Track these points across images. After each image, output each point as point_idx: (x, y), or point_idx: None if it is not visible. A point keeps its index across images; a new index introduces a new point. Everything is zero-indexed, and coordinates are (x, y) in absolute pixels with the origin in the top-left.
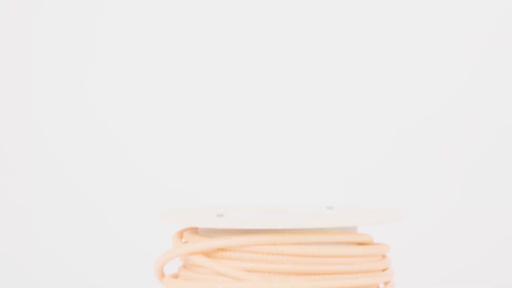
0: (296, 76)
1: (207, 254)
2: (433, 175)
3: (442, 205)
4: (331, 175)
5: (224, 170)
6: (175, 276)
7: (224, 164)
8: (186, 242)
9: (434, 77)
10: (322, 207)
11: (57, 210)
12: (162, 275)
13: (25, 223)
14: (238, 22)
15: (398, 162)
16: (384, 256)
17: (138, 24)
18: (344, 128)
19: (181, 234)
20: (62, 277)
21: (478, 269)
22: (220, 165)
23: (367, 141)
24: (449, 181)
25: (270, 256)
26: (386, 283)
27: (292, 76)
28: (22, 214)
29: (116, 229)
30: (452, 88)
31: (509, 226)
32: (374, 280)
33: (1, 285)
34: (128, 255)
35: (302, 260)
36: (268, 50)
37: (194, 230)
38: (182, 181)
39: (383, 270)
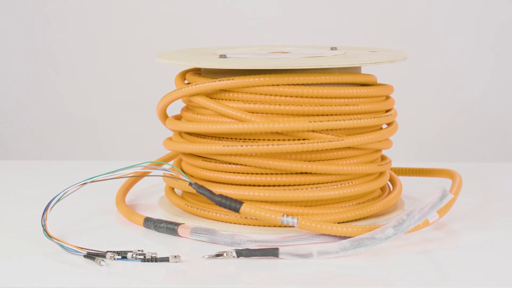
0: None
1: (210, 95)
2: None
3: (450, 47)
4: (336, 16)
5: (225, 10)
6: (178, 118)
7: (225, 3)
8: (188, 83)
9: None
10: (326, 48)
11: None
12: (165, 116)
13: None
14: None
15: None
16: (387, 97)
17: None
18: None
19: (183, 75)
20: (65, 115)
21: (481, 106)
22: (222, 4)
23: None
24: (459, 21)
25: (273, 97)
26: (389, 124)
27: None
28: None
29: (118, 71)
30: None
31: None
32: (377, 121)
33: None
34: (130, 97)
35: (305, 101)
36: None
37: (197, 72)
38: (183, 23)
39: (387, 111)
